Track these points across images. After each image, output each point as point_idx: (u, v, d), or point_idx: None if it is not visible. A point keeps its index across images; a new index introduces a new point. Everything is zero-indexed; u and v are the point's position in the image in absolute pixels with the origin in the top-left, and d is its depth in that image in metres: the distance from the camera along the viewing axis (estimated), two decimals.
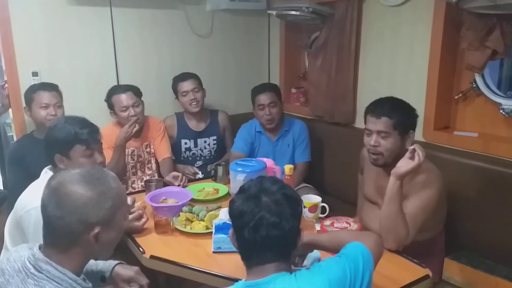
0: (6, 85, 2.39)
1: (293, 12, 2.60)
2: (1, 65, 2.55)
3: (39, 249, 1.05)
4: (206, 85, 2.76)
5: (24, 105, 2.32)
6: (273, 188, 1.07)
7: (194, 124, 2.75)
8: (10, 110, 2.53)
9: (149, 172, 2.58)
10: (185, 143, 2.74)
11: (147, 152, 2.59)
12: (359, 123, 2.62)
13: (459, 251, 1.85)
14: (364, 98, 2.57)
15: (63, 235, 1.03)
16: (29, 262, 1.01)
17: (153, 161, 2.59)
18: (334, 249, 1.23)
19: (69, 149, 1.63)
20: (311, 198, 1.81)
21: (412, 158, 1.51)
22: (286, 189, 1.08)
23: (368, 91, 2.55)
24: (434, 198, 1.60)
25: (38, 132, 2.29)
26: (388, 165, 1.65)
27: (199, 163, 2.79)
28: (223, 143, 2.83)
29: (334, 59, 2.64)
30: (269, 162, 1.90)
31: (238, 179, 1.74)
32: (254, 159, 1.86)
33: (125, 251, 1.71)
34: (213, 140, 2.78)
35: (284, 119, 2.62)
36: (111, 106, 2.46)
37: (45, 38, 2.48)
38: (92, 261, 1.37)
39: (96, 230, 1.03)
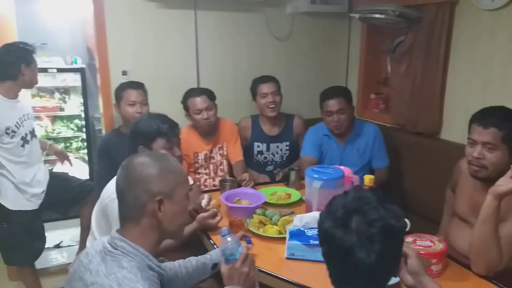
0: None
1: (378, 16, 2.49)
2: (94, 63, 2.76)
3: (116, 231, 1.14)
4: (282, 88, 2.75)
5: (114, 101, 2.48)
6: (371, 213, 0.89)
7: (268, 128, 2.74)
8: (100, 105, 2.71)
9: (221, 173, 2.63)
10: (258, 146, 2.74)
11: (220, 154, 2.63)
12: (446, 134, 2.46)
13: None
14: (453, 107, 2.41)
15: (132, 207, 1.11)
16: (107, 242, 1.10)
17: (225, 163, 2.63)
18: None
19: (151, 141, 1.76)
20: None
21: None
22: (389, 219, 0.89)
23: (458, 100, 2.38)
24: None
25: (125, 127, 2.43)
26: (489, 180, 1.50)
27: (270, 167, 2.77)
28: (295, 149, 2.77)
29: (420, 64, 2.50)
30: (347, 170, 1.84)
31: (314, 186, 1.70)
32: (331, 166, 1.80)
33: (200, 248, 1.75)
34: (286, 145, 2.74)
35: (354, 123, 2.52)
36: (186, 109, 2.55)
37: (134, 39, 2.64)
38: (202, 256, 1.51)
39: (158, 197, 1.09)
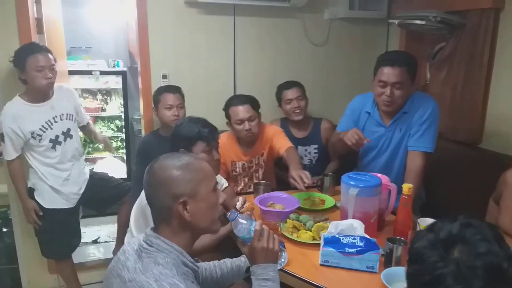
0: (55, 66, 2.31)
1: (418, 22, 2.45)
2: (135, 66, 2.84)
3: (151, 229, 1.17)
4: (317, 92, 2.76)
5: (152, 105, 2.55)
6: (480, 246, 0.77)
7: (296, 131, 2.75)
8: (141, 107, 2.80)
9: (256, 181, 2.62)
10: None
11: (256, 164, 2.60)
12: (487, 143, 2.38)
13: None
14: (495, 116, 2.34)
15: (159, 210, 1.13)
16: (143, 240, 1.14)
17: (260, 172, 2.61)
18: None
19: (192, 145, 1.81)
20: (428, 222, 1.67)
21: None
22: (500, 258, 0.76)
23: (501, 108, 2.30)
24: None
25: (163, 130, 2.50)
26: None
27: None
28: (325, 152, 2.74)
29: (461, 72, 2.44)
30: (384, 178, 1.81)
31: (350, 193, 1.68)
32: (368, 173, 1.78)
33: (235, 249, 1.77)
34: (314, 148, 2.74)
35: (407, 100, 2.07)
36: (228, 117, 2.45)
37: (175, 44, 2.71)
38: (237, 258, 1.51)
39: (181, 199, 1.10)
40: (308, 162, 2.76)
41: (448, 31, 2.50)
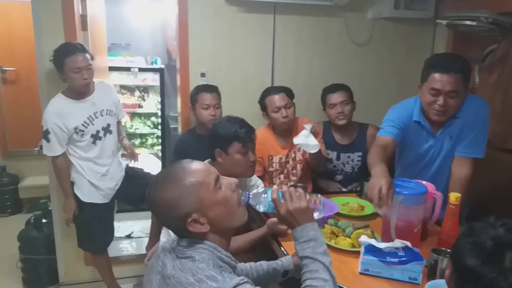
0: (91, 65, 2.34)
1: (469, 22, 2.33)
2: (172, 64, 2.85)
3: None
4: (358, 94, 2.66)
5: (190, 104, 2.54)
6: None
7: (339, 137, 2.63)
8: (178, 105, 2.80)
9: (294, 178, 2.58)
10: (328, 154, 2.62)
11: (292, 158, 2.57)
12: None
13: None
14: None
15: (176, 230, 1.12)
16: (177, 243, 1.13)
17: (298, 168, 2.57)
18: None
19: (228, 145, 1.79)
20: None
21: None
22: None
23: None
24: None
25: (199, 128, 2.50)
26: None
27: (339, 177, 2.67)
28: None
29: None
30: (429, 186, 1.72)
31: (394, 200, 1.61)
32: (413, 181, 1.70)
33: (269, 250, 1.74)
34: (358, 156, 2.61)
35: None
36: (264, 108, 2.50)
37: (214, 42, 2.70)
38: (273, 261, 1.48)
39: (190, 218, 1.06)
40: (350, 169, 2.63)
41: (499, 33, 2.37)
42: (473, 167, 1.90)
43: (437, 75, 1.78)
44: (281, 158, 2.51)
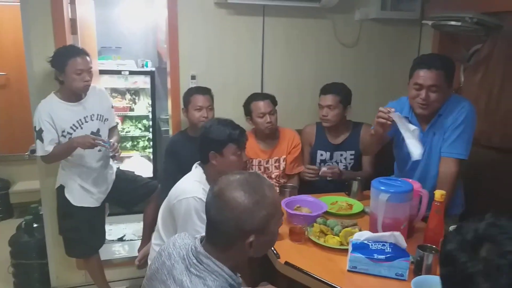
0: (92, 69, 2.35)
1: (454, 23, 2.37)
2: (163, 67, 2.85)
3: (201, 241, 1.13)
4: None
5: (182, 106, 2.56)
6: (507, 244, 0.80)
7: (331, 137, 2.63)
8: (169, 107, 2.81)
9: (273, 182, 2.60)
10: (321, 155, 2.64)
11: (275, 166, 2.60)
12: None
13: None
14: None
15: (222, 237, 1.09)
16: (192, 254, 1.10)
17: (274, 175, 2.59)
18: None
19: (223, 147, 1.81)
20: None
21: None
22: None
23: None
24: None
25: (191, 130, 2.51)
26: None
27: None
28: (361, 159, 2.63)
29: (498, 75, 2.35)
30: (415, 184, 1.75)
31: (380, 199, 1.64)
32: (399, 179, 1.73)
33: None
34: (351, 154, 2.61)
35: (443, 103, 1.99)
36: (248, 112, 2.56)
37: (204, 45, 2.71)
38: None
39: (251, 238, 1.07)
40: (343, 167, 2.62)
41: (484, 33, 2.41)
42: (459, 166, 1.93)
43: (420, 71, 1.89)
44: (260, 162, 2.58)
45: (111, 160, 2.61)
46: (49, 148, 2.28)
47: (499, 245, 0.80)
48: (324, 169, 2.32)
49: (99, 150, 2.40)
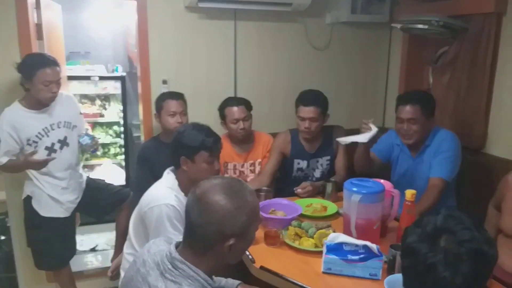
0: (61, 80, 2.30)
1: (421, 26, 2.43)
2: (134, 72, 2.80)
3: (176, 247, 1.12)
4: None
5: (154, 111, 2.51)
6: (463, 234, 0.86)
7: (308, 145, 2.55)
8: (140, 113, 2.77)
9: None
10: (298, 164, 2.57)
11: (250, 170, 2.59)
12: (491, 148, 2.36)
13: None
14: (499, 121, 2.31)
15: (200, 241, 1.08)
16: (167, 259, 1.08)
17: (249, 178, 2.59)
18: None
19: (195, 154, 1.75)
20: None
21: None
22: (481, 243, 0.86)
23: (505, 113, 2.27)
24: None
25: (164, 136, 2.47)
26: None
27: (309, 183, 2.53)
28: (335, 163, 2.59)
29: (464, 76, 2.42)
30: (387, 184, 1.78)
31: (353, 199, 1.65)
32: (371, 179, 1.75)
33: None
34: (326, 160, 2.57)
35: (429, 133, 2.23)
36: (223, 117, 2.53)
37: (175, 49, 2.68)
38: (216, 278, 1.42)
39: (231, 241, 1.06)
40: (320, 174, 2.58)
41: (450, 36, 2.48)
42: (443, 185, 2.09)
43: (400, 107, 2.19)
44: (235, 166, 2.58)
45: (80, 168, 2.54)
46: (4, 159, 2.20)
47: (456, 235, 0.86)
48: (299, 190, 2.31)
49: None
